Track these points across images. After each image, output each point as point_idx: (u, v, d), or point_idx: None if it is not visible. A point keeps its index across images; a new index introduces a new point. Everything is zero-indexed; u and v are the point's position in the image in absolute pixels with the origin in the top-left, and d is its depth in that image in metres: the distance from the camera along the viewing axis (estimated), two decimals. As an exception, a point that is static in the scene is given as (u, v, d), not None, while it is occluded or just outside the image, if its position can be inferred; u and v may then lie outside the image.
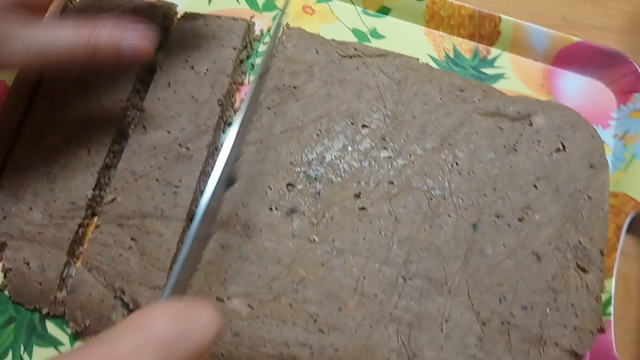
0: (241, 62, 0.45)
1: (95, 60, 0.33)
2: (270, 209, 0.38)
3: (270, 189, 0.39)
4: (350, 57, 0.43)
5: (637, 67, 0.46)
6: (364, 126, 0.42)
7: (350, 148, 0.41)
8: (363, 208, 0.39)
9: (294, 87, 0.42)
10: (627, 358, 0.39)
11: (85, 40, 0.32)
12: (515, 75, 0.48)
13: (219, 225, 0.38)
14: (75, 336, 0.38)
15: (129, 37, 0.33)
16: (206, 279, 0.37)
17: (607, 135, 0.46)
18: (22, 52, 0.32)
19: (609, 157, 0.45)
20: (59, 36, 0.32)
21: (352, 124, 0.41)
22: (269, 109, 0.41)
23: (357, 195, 0.39)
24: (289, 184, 0.39)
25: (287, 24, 0.46)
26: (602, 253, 0.39)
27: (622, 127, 0.46)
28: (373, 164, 0.40)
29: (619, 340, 0.39)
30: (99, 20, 0.33)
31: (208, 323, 0.23)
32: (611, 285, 0.39)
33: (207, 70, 0.42)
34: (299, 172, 0.40)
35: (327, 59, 0.43)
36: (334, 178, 0.40)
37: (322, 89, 0.42)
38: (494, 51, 0.49)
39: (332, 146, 0.41)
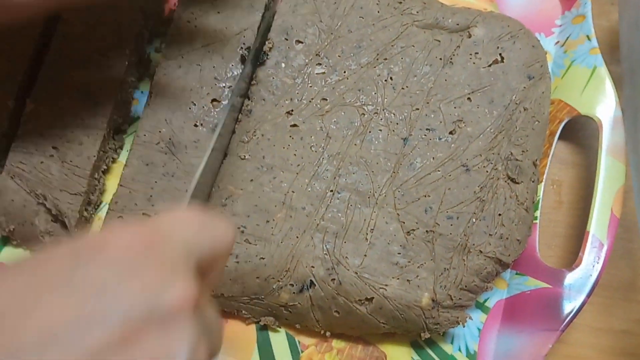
0: None
1: None
2: (195, 125, 0.38)
3: (195, 104, 0.38)
4: None
5: (581, -29, 0.43)
6: (298, 42, 0.39)
7: (283, 65, 0.39)
8: (295, 125, 0.38)
9: (214, 0, 0.40)
10: (552, 260, 0.39)
11: None
12: (458, -18, 0.45)
13: (141, 143, 0.37)
14: (3, 240, 0.39)
15: None
16: (131, 196, 0.36)
17: (549, 43, 0.43)
18: None
19: (549, 64, 0.43)
20: None
21: (286, 39, 0.39)
22: (188, 22, 0.39)
23: (290, 113, 0.38)
24: (213, 100, 0.38)
25: None
26: (535, 164, 0.38)
27: (565, 34, 0.43)
28: (306, 80, 0.39)
29: (547, 244, 0.39)
30: None
31: (225, 227, 0.23)
32: (540, 190, 0.39)
33: None
34: (224, 87, 0.38)
35: None
36: (266, 95, 0.38)
37: (245, 0, 0.40)
38: (439, -40, 0.45)
39: (266, 63, 0.39)
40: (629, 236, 0.39)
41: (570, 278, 0.36)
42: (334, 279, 0.35)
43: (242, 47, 0.39)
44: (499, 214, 0.36)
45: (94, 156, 0.37)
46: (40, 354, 0.16)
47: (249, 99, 0.39)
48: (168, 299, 0.19)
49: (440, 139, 0.37)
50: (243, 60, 0.39)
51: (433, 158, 0.37)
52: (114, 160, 0.40)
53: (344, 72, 0.39)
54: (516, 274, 0.38)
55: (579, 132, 0.41)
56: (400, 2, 0.40)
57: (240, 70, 0.38)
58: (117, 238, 0.19)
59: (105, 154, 0.39)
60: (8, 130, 0.38)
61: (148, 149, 0.37)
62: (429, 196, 0.36)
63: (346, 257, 0.35)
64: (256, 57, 0.39)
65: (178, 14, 0.39)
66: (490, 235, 0.36)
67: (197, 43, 0.39)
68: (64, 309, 0.17)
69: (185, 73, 0.38)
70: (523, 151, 0.38)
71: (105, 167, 0.39)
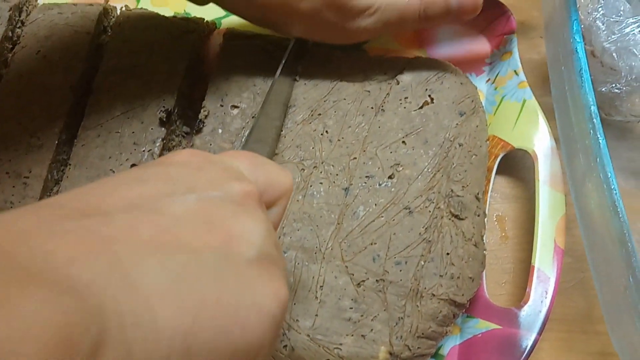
0: (99, 46, 0.41)
1: (426, 20, 0.36)
2: None
3: (113, 172, 0.36)
4: (190, 32, 0.40)
5: (508, 9, 0.43)
6: (233, 107, 0.38)
7: (220, 130, 0.38)
8: (235, 188, 0.36)
9: (134, 67, 0.39)
10: (504, 298, 0.36)
11: (417, 4, 0.35)
12: (385, 31, 0.44)
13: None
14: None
15: None
16: None
17: (481, 82, 0.43)
18: (377, 18, 0.35)
19: (483, 102, 0.42)
20: (398, 2, 0.35)
21: (221, 106, 0.38)
22: (108, 91, 0.38)
23: (229, 176, 0.37)
24: (133, 165, 0.37)
25: (126, 5, 0.43)
26: (477, 198, 0.36)
27: (494, 71, 0.43)
28: (244, 143, 0.38)
29: (496, 282, 0.37)
30: None
31: (279, 169, 0.23)
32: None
33: (59, 58, 0.39)
34: (144, 151, 0.37)
35: (169, 36, 0.40)
36: (204, 162, 0.37)
37: (164, 65, 0.39)
38: (365, 11, 0.45)
39: (202, 130, 0.38)
40: (579, 266, 0.37)
41: (520, 316, 0.33)
42: (286, 346, 0.32)
43: (161, 110, 0.38)
44: (447, 253, 0.34)
45: None
46: (127, 216, 0.16)
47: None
48: (237, 188, 0.19)
49: (380, 184, 0.36)
50: (162, 123, 0.38)
51: (375, 204, 0.36)
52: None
53: (281, 131, 0.38)
54: (467, 316, 0.35)
55: (518, 166, 0.40)
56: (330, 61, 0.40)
57: (162, 134, 0.38)
58: (177, 152, 0.20)
59: None
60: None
61: None
62: (375, 244, 0.35)
63: (297, 320, 0.33)
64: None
65: (97, 84, 0.39)
66: (440, 276, 0.34)
67: (116, 111, 0.38)
68: (142, 190, 0.17)
69: (104, 142, 0.37)
70: (463, 186, 0.36)
71: None
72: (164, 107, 0.38)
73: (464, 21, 0.37)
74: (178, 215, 0.17)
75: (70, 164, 0.37)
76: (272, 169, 0.23)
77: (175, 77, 0.39)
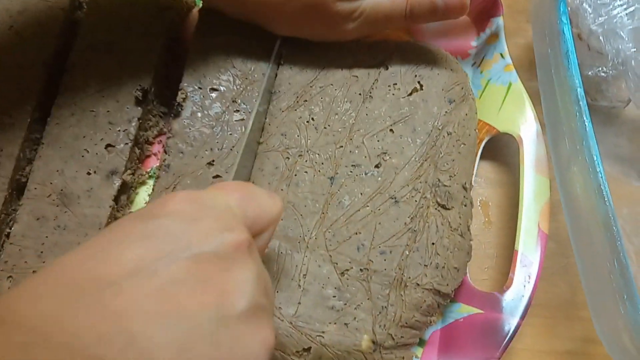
0: (74, 22, 0.39)
1: (412, 19, 0.36)
2: (88, 173, 0.35)
3: (88, 152, 0.35)
4: (168, 9, 0.39)
5: (494, -9, 0.42)
6: (212, 89, 0.37)
7: (199, 114, 0.37)
8: (217, 176, 0.35)
9: (110, 44, 0.37)
10: (487, 283, 0.36)
11: (404, 4, 0.35)
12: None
13: (32, 197, 0.34)
14: None
15: None
16: (21, 254, 0.33)
17: (467, 65, 0.42)
18: (362, 21, 0.35)
19: (470, 88, 0.42)
20: (382, 4, 0.35)
21: (199, 88, 0.37)
22: (83, 68, 0.37)
23: (211, 163, 0.35)
24: (108, 145, 0.35)
25: None
26: (465, 188, 0.36)
27: (480, 55, 0.42)
28: (225, 128, 0.36)
29: (479, 267, 0.37)
30: None
31: (268, 197, 0.25)
32: None
33: (32, 34, 0.37)
34: (119, 131, 0.36)
35: (146, 12, 0.38)
36: (184, 148, 0.36)
37: (141, 43, 0.38)
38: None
39: (180, 114, 0.37)
40: (563, 251, 0.37)
41: (503, 301, 0.33)
42: (269, 334, 0.32)
43: (137, 89, 0.36)
44: (433, 243, 0.34)
45: None
46: (132, 283, 0.18)
47: (165, 153, 0.36)
48: (228, 239, 0.21)
49: (366, 173, 0.36)
50: (138, 102, 0.36)
51: (361, 194, 0.35)
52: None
53: (265, 118, 0.37)
54: (449, 301, 0.35)
55: (503, 150, 0.40)
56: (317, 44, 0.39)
57: (138, 114, 0.36)
58: (172, 197, 0.22)
59: (9, 217, 0.35)
60: None
61: (39, 202, 0.34)
62: (359, 233, 0.34)
63: (279, 307, 0.32)
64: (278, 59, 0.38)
65: (71, 61, 0.37)
66: (425, 266, 0.33)
67: (91, 89, 0.36)
68: (143, 252, 0.19)
69: (78, 120, 0.36)
70: (450, 176, 0.36)
71: (9, 230, 0.35)
72: (140, 85, 0.36)
73: (452, 19, 0.36)
74: (176, 277, 0.19)
75: (43, 143, 0.35)
76: (262, 199, 0.24)
77: (152, 55, 0.38)
